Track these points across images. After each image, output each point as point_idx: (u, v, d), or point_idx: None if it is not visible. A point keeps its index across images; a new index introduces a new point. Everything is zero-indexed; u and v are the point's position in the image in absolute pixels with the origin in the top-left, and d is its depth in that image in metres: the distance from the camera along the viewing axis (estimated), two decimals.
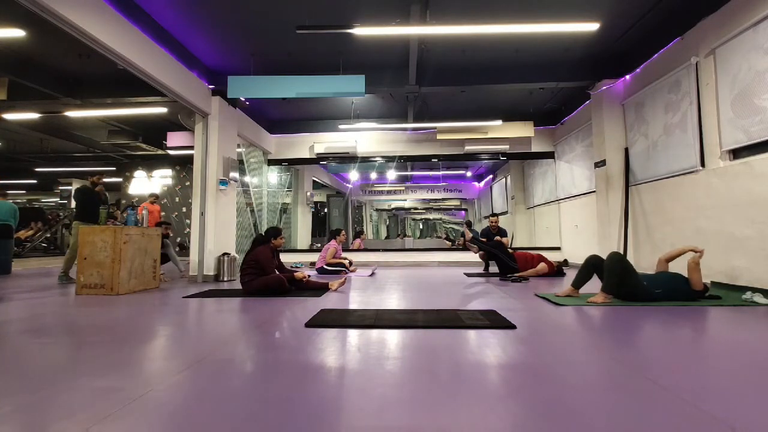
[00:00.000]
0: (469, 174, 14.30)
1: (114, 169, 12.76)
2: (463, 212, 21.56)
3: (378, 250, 9.08)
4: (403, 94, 6.67)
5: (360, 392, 1.49)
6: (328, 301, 3.57)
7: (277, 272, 4.12)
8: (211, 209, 5.70)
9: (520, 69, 5.98)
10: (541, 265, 5.38)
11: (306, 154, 8.71)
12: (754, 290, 3.50)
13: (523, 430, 1.19)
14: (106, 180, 5.19)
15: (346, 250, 8.10)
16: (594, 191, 6.35)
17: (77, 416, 1.28)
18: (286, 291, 4.00)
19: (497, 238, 6.40)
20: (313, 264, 6.79)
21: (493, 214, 6.91)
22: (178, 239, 8.42)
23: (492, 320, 2.64)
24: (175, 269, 6.26)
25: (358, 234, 10.74)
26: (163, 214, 10.51)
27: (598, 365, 1.78)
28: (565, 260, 6.46)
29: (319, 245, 9.28)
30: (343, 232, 6.83)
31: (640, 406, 1.33)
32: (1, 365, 1.85)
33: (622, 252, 5.46)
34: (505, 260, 5.48)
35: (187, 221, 11.44)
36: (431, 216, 27.05)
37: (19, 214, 6.69)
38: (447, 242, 10.47)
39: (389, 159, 8.82)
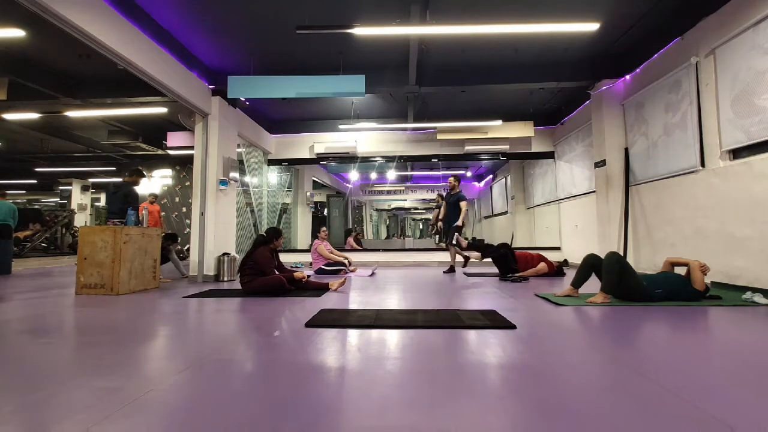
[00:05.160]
0: (469, 174, 14.31)
1: (114, 169, 12.76)
2: None
3: (378, 250, 9.08)
4: (403, 94, 6.67)
5: (360, 392, 1.49)
6: (328, 301, 3.57)
7: (277, 272, 4.12)
8: (211, 209, 5.70)
9: (520, 69, 5.98)
10: (541, 265, 5.38)
11: (306, 154, 8.71)
12: (754, 290, 3.50)
13: (523, 430, 1.19)
14: (104, 180, 5.14)
15: (343, 249, 8.08)
16: (594, 191, 6.35)
17: (77, 416, 1.28)
18: (286, 291, 4.00)
19: (462, 204, 6.05)
20: (312, 264, 6.78)
21: (455, 176, 6.46)
22: (186, 247, 8.28)
23: (492, 320, 2.64)
24: (175, 270, 6.26)
25: (349, 232, 10.63)
26: (163, 214, 10.52)
27: (598, 365, 1.78)
28: (565, 260, 6.46)
29: None
30: (324, 229, 6.73)
31: (639, 406, 1.33)
32: (1, 365, 1.85)
33: (622, 252, 5.47)
34: (509, 261, 5.46)
35: (187, 221, 11.44)
36: (431, 216, 27.00)
37: (18, 215, 6.68)
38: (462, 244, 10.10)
39: (389, 159, 8.83)
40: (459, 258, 6.35)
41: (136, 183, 5.11)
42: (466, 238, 6.37)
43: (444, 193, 7.18)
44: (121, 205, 4.68)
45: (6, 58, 5.37)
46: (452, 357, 1.91)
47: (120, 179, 5.20)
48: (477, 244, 7.11)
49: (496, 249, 5.80)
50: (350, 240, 9.78)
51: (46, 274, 6.58)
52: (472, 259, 6.31)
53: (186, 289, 4.53)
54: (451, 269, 6.26)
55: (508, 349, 2.02)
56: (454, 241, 6.04)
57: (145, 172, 5.07)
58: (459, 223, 6.03)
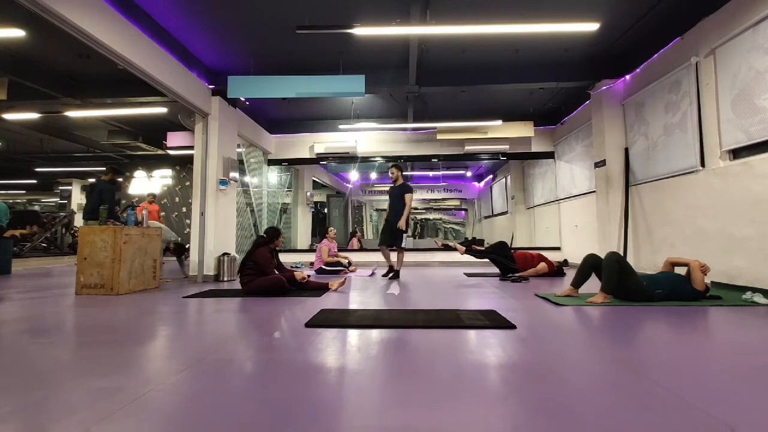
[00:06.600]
0: (469, 174, 14.31)
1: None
2: (462, 212, 21.56)
3: (378, 250, 9.05)
4: (403, 94, 6.67)
5: (360, 392, 1.49)
6: (328, 301, 3.57)
7: (277, 272, 4.12)
8: (211, 209, 5.70)
9: (520, 69, 5.98)
10: (541, 265, 5.38)
11: (306, 154, 8.72)
12: (754, 290, 3.50)
13: (522, 430, 1.19)
14: (104, 180, 5.12)
15: (344, 249, 8.09)
16: (594, 191, 6.35)
17: (77, 416, 1.28)
18: (285, 291, 4.00)
19: (407, 197, 5.30)
20: (312, 264, 6.79)
21: (395, 165, 5.60)
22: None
23: (492, 320, 2.64)
24: (175, 270, 6.26)
25: (354, 233, 10.71)
26: (163, 214, 10.52)
27: (598, 365, 1.78)
28: (565, 260, 6.46)
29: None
30: (332, 228, 6.81)
31: (639, 406, 1.33)
32: (1, 365, 1.85)
33: (622, 252, 5.47)
34: (505, 263, 5.47)
35: (187, 221, 11.44)
36: (431, 216, 27.06)
37: (15, 217, 6.67)
38: (437, 242, 9.72)
39: (389, 159, 8.83)
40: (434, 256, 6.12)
41: (114, 181, 5.10)
42: (466, 238, 6.28)
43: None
44: (99, 205, 4.60)
45: (6, 58, 5.37)
46: (452, 357, 1.91)
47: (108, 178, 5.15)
48: (468, 243, 7.07)
49: (488, 250, 5.82)
50: (354, 240, 9.82)
51: (46, 274, 6.57)
52: (458, 252, 5.86)
53: (186, 289, 4.53)
54: (391, 270, 5.51)
55: (508, 349, 2.02)
56: (403, 244, 5.35)
57: (123, 171, 4.99)
58: (401, 224, 5.17)
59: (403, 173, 5.93)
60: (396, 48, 5.32)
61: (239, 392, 1.49)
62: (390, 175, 5.58)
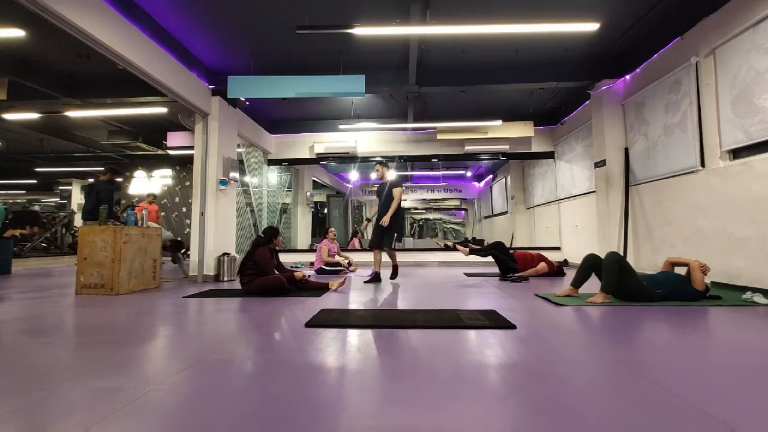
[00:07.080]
0: (469, 174, 14.31)
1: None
2: (463, 212, 21.56)
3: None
4: (403, 94, 6.67)
5: (359, 392, 1.49)
6: (328, 301, 3.57)
7: (276, 272, 4.12)
8: (211, 209, 5.70)
9: (520, 69, 5.98)
10: (541, 265, 5.38)
11: (306, 154, 8.71)
12: (754, 290, 3.50)
13: (522, 430, 1.19)
14: (102, 180, 5.12)
15: (345, 249, 8.09)
16: (594, 191, 6.35)
17: (77, 416, 1.28)
18: (285, 291, 4.00)
19: (396, 192, 5.04)
20: (312, 264, 6.79)
21: (380, 162, 5.30)
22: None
23: (492, 320, 2.64)
24: (175, 270, 6.25)
25: (355, 234, 10.76)
26: (162, 214, 10.51)
27: (598, 365, 1.78)
28: (565, 260, 6.46)
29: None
30: (332, 229, 6.81)
31: (639, 406, 1.33)
32: (1, 365, 1.85)
33: (622, 252, 5.47)
34: (505, 260, 5.47)
35: (187, 221, 11.44)
36: (431, 216, 27.06)
37: (15, 217, 6.64)
38: (438, 242, 9.45)
39: (389, 159, 8.82)
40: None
41: (112, 181, 5.11)
42: (466, 238, 6.27)
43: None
44: (97, 205, 4.58)
45: (6, 58, 5.37)
46: (452, 357, 1.91)
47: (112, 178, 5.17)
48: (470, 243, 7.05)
49: (487, 248, 5.83)
50: (355, 241, 9.83)
51: (46, 274, 6.57)
52: (462, 254, 5.84)
53: (186, 289, 4.53)
54: (376, 276, 4.99)
55: (508, 349, 2.02)
56: (392, 245, 5.01)
57: (133, 171, 5.02)
58: (385, 220, 4.85)
59: (402, 173, 5.82)
60: (396, 48, 5.32)
61: (239, 392, 1.49)
62: (375, 173, 5.31)
